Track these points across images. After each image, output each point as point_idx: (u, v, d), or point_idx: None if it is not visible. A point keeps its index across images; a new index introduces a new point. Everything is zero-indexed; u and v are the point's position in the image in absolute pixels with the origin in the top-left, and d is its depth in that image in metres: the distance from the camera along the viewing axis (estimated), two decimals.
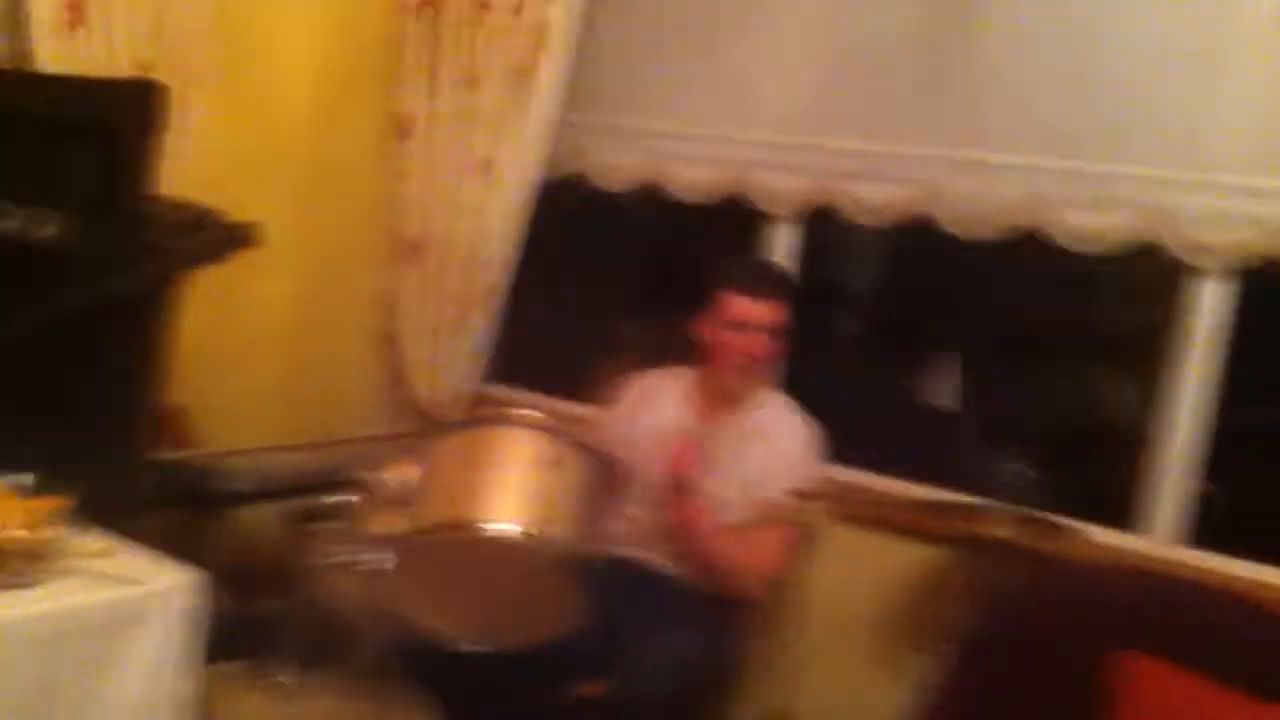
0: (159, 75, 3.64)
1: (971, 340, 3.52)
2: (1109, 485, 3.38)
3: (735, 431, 3.13)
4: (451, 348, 3.91)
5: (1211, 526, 3.08)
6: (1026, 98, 3.20)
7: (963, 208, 3.27)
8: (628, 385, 3.27)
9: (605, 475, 2.71)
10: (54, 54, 3.54)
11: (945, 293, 3.61)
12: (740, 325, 3.06)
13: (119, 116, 3.14)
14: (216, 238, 3.25)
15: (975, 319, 3.56)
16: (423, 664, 2.81)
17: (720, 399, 3.16)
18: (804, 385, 3.29)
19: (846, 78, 3.47)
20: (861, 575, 3.33)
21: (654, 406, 3.19)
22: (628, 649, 2.88)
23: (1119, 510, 3.19)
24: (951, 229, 3.29)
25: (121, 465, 2.88)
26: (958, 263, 3.43)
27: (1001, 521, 2.89)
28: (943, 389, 3.38)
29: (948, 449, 3.60)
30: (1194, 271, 3.04)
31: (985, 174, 3.24)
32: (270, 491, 3.43)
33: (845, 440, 3.30)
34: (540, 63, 3.75)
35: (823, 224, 3.55)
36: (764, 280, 3.13)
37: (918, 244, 3.48)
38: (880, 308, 3.97)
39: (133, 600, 2.40)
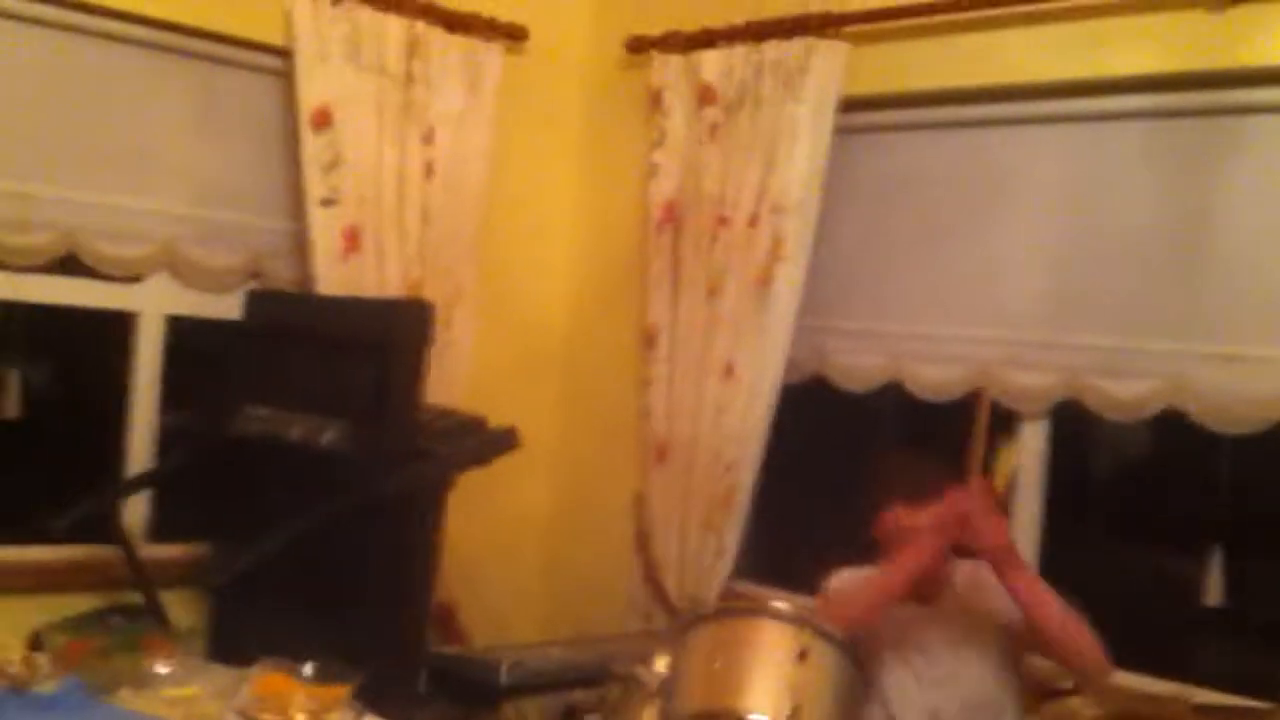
0: (426, 294, 3.94)
1: (1241, 534, 3.40)
2: None
3: (946, 612, 3.15)
4: (700, 546, 3.98)
5: None
6: (1275, 287, 3.17)
7: (1215, 401, 3.20)
8: (829, 581, 3.27)
9: (855, 667, 2.72)
10: (333, 277, 3.86)
11: (1208, 484, 3.53)
12: (911, 533, 3.09)
13: (392, 333, 3.39)
14: (482, 442, 3.44)
15: (1243, 511, 3.44)
16: None
17: (919, 593, 3.17)
18: (1060, 580, 3.24)
19: (1091, 274, 3.48)
20: None
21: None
22: None
23: None
24: (1205, 423, 3.23)
25: (399, 657, 3.03)
26: (1218, 454, 3.35)
27: None
28: (1211, 584, 3.28)
29: (1221, 648, 3.46)
30: None
31: (1237, 367, 3.18)
32: (536, 685, 3.52)
33: (1104, 636, 3.22)
34: (777, 270, 3.87)
35: (1076, 417, 3.52)
36: (923, 483, 3.13)
37: (1174, 435, 3.42)
38: (1139, 500, 3.87)
39: None
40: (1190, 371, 3.26)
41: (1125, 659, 3.30)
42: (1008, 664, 3.09)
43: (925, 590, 3.21)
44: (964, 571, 3.26)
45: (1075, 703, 2.86)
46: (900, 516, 3.11)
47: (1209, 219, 3.30)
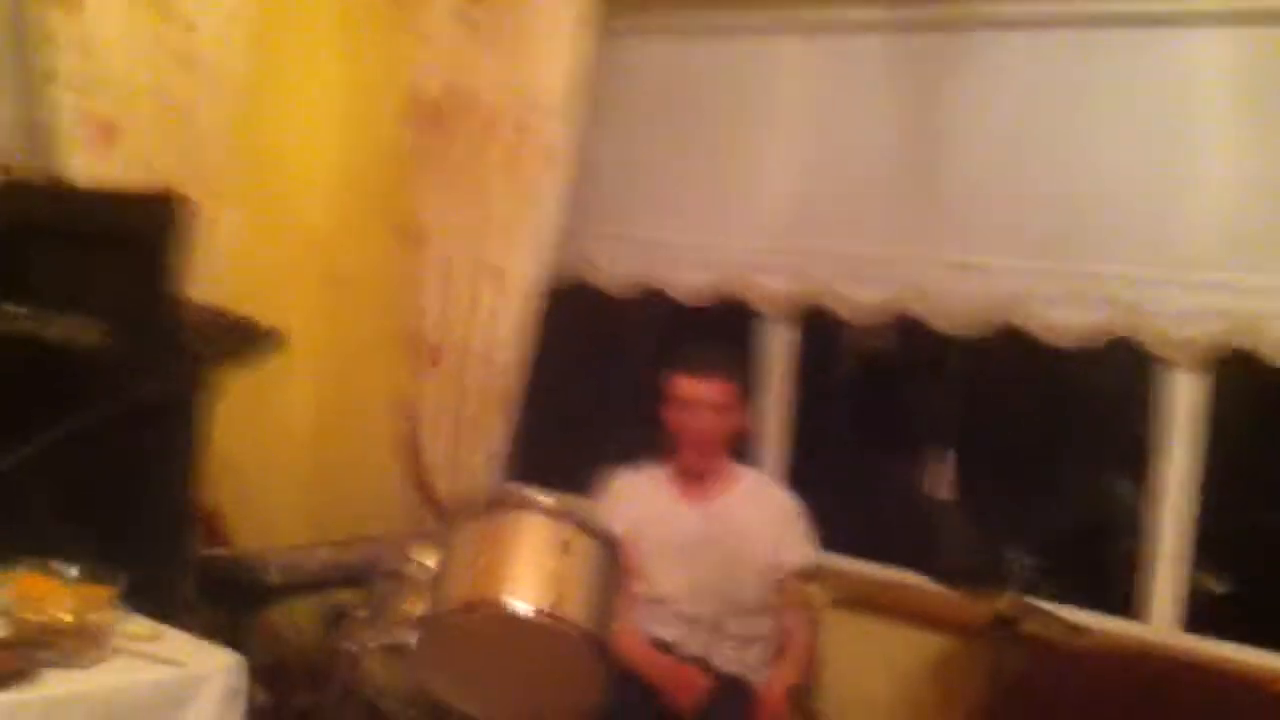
0: (183, 188, 3.85)
1: (972, 434, 3.67)
2: (1109, 575, 3.51)
3: (720, 509, 3.35)
4: (469, 448, 4.05)
5: (1210, 615, 3.19)
6: (1001, 199, 3.38)
7: (945, 306, 3.43)
8: (609, 482, 3.49)
9: (614, 558, 2.85)
10: (85, 170, 3.72)
11: (943, 389, 3.78)
12: (688, 404, 3.32)
13: (147, 227, 3.32)
14: (244, 339, 3.42)
15: (974, 414, 3.71)
16: None
17: (693, 481, 3.39)
18: (806, 477, 3.46)
19: (834, 184, 3.66)
20: (867, 658, 3.46)
21: (637, 501, 3.39)
22: None
23: (1120, 599, 3.29)
24: (936, 326, 3.46)
25: (164, 559, 3.02)
26: (954, 359, 3.61)
27: (1004, 609, 3.01)
28: (940, 481, 3.54)
29: (947, 539, 3.75)
30: (1167, 364, 3.20)
31: (966, 274, 3.40)
32: (303, 585, 3.56)
33: (847, 529, 3.46)
34: (543, 173, 3.92)
35: (822, 323, 3.72)
36: (705, 360, 3.37)
37: (913, 342, 3.66)
38: (878, 403, 4.13)
39: (178, 681, 2.54)
40: (923, 277, 3.47)
41: (864, 549, 3.57)
42: (766, 581, 3.30)
43: (701, 489, 3.38)
44: (747, 480, 3.44)
45: (812, 589, 3.07)
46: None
47: (945, 133, 3.49)
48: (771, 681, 3.22)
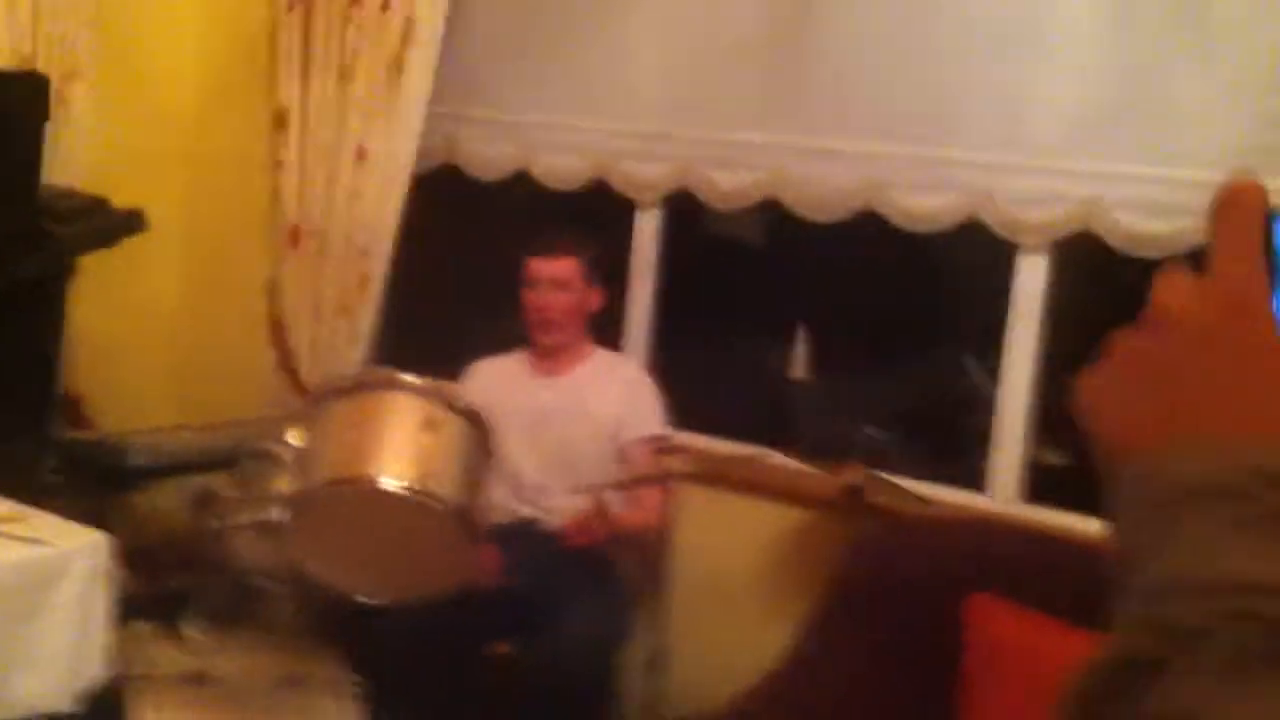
0: (39, 67, 3.76)
1: (830, 316, 3.77)
2: (958, 450, 3.66)
3: (567, 384, 3.42)
4: (335, 332, 4.06)
5: (1047, 486, 3.34)
6: (864, 87, 3.44)
7: (807, 191, 3.50)
8: (469, 373, 3.53)
9: (481, 435, 2.91)
10: None
11: (803, 273, 3.87)
12: (534, 283, 3.39)
13: (5, 107, 3.25)
14: (106, 223, 3.38)
15: (832, 296, 3.81)
16: (330, 620, 2.98)
17: (546, 359, 3.46)
18: (670, 360, 3.53)
19: (701, 70, 3.69)
20: (724, 531, 3.57)
21: (490, 381, 3.44)
22: (540, 613, 3.10)
23: (965, 473, 3.43)
24: (798, 212, 3.53)
25: (25, 443, 3.00)
26: (814, 244, 3.70)
27: (854, 481, 3.14)
28: (798, 362, 3.65)
29: (803, 416, 3.87)
30: (1016, 247, 3.30)
31: (827, 159, 3.46)
32: (168, 468, 3.56)
33: (709, 410, 3.54)
34: (409, 54, 3.89)
35: (688, 209, 3.78)
36: (551, 240, 3.45)
37: (777, 229, 3.74)
38: (739, 287, 4.21)
39: (44, 560, 2.55)
40: (788, 163, 3.53)
41: (724, 429, 3.67)
42: (613, 453, 3.37)
43: (553, 366, 3.45)
44: (597, 356, 3.51)
45: (665, 460, 3.16)
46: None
47: (809, 18, 3.52)
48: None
